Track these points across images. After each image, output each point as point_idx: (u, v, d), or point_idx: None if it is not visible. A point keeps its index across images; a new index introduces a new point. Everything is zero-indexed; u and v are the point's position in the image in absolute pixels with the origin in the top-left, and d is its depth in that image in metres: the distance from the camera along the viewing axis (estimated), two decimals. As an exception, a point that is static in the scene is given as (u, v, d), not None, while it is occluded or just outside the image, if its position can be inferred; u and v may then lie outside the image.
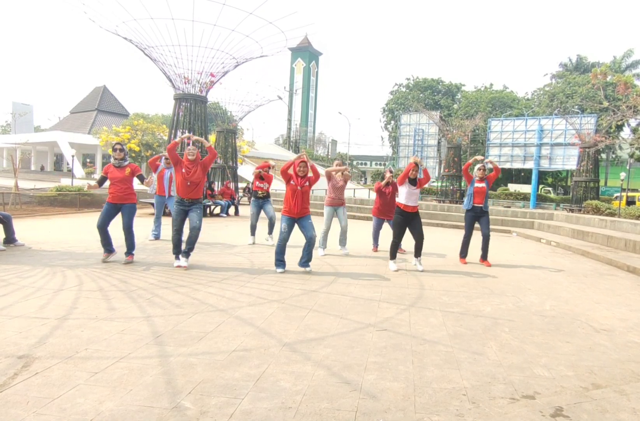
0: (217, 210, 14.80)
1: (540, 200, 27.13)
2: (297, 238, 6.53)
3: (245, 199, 22.23)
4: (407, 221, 6.39)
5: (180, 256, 5.99)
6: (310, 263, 5.99)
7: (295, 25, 12.44)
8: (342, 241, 7.61)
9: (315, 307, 4.23)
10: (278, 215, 8.27)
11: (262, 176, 8.25)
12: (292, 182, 5.89)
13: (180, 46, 12.52)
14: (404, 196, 6.37)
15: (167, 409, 2.24)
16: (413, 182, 6.42)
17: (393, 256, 6.42)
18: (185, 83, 13.61)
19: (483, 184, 7.02)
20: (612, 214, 15.00)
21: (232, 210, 15.40)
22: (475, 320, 4.04)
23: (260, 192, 8.29)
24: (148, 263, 6.13)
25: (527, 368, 2.98)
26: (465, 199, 7.14)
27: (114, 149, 6.13)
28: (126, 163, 6.20)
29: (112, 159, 6.21)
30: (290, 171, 5.95)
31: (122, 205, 6.12)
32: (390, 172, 8.13)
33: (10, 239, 6.98)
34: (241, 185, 23.51)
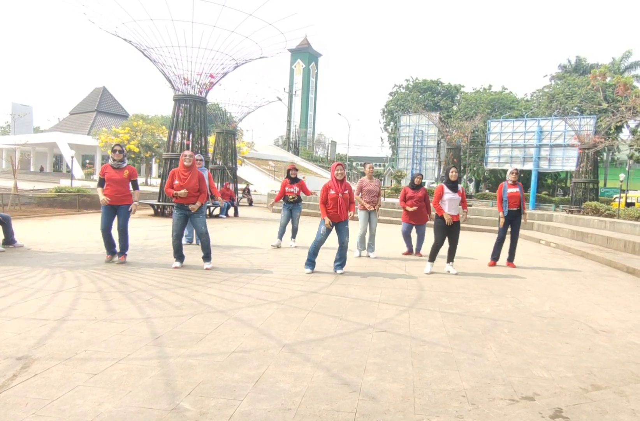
0: (217, 211, 14.80)
1: (540, 201, 27.15)
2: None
3: (245, 200, 22.25)
4: (448, 227, 6.34)
5: (181, 260, 6.07)
6: (344, 267, 6.09)
7: (295, 27, 12.43)
8: (371, 245, 7.64)
9: (314, 308, 4.23)
10: (303, 218, 8.35)
11: (292, 179, 8.20)
12: (332, 192, 5.92)
13: (179, 47, 12.53)
14: (446, 203, 6.28)
15: (166, 410, 2.24)
16: (454, 188, 6.34)
17: (432, 258, 6.41)
18: (185, 84, 13.62)
19: (516, 189, 7.07)
20: (611, 216, 15.02)
21: (231, 211, 15.40)
22: (475, 321, 4.04)
23: (290, 196, 8.22)
24: (147, 264, 6.12)
25: (527, 369, 2.98)
26: (502, 206, 7.12)
27: (114, 151, 6.10)
28: (125, 165, 6.18)
29: (110, 160, 6.19)
30: (332, 192, 5.99)
31: (118, 206, 6.09)
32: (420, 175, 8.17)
33: (9, 240, 6.97)
34: (240, 186, 23.51)
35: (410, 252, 8.09)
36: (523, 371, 2.93)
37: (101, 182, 6.14)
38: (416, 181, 7.92)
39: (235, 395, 2.43)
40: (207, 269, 5.87)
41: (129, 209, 6.19)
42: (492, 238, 7.36)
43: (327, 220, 5.91)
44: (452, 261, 6.45)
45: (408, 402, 2.43)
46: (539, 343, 3.53)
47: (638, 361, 3.22)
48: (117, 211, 6.12)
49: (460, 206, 6.52)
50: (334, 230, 6.08)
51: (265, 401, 2.37)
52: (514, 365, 3.04)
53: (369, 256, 7.55)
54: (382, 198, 7.99)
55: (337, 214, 5.91)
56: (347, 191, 5.98)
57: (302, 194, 8.38)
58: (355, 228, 7.57)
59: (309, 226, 10.33)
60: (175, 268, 5.87)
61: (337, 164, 6.07)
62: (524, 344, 3.48)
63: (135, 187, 6.32)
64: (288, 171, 8.35)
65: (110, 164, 6.13)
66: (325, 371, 2.79)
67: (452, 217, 6.28)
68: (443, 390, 2.60)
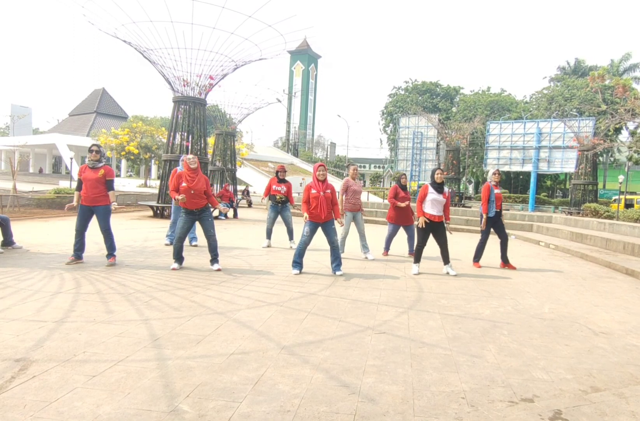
0: (216, 213, 14.79)
1: (539, 203, 27.18)
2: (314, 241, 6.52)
3: (244, 201, 22.24)
4: (432, 228, 6.34)
5: (180, 262, 6.07)
6: (341, 267, 6.09)
7: (294, 29, 12.42)
8: (365, 246, 7.57)
9: (313, 310, 4.22)
10: (296, 219, 8.37)
11: (280, 179, 8.13)
12: (313, 191, 5.96)
13: (179, 49, 12.53)
14: (428, 204, 6.28)
15: (165, 412, 2.23)
16: (440, 189, 6.33)
17: (417, 259, 6.43)
18: (184, 86, 13.62)
19: (500, 190, 7.14)
20: (610, 217, 15.02)
21: (230, 213, 15.39)
22: (474, 323, 4.03)
23: (278, 196, 8.06)
24: (146, 265, 6.11)
25: (526, 371, 2.97)
26: (489, 207, 7.07)
27: (90, 151, 6.02)
28: (100, 165, 6.07)
29: (87, 160, 6.08)
30: (313, 191, 6.00)
31: (94, 207, 6.00)
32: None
33: (8, 242, 6.96)
34: (240, 188, 23.50)
35: (387, 253, 8.00)
36: (522, 373, 2.93)
37: (80, 184, 6.03)
38: (403, 181, 7.90)
39: (234, 397, 2.42)
40: (218, 270, 5.92)
41: (111, 208, 6.13)
42: (492, 240, 7.34)
43: (306, 215, 5.91)
44: (448, 262, 6.44)
45: (407, 404, 2.43)
46: (538, 344, 3.52)
47: (637, 363, 3.22)
48: (93, 212, 6.03)
49: (444, 214, 6.43)
50: (319, 231, 6.09)
51: (264, 403, 2.37)
52: (514, 366, 3.04)
53: (366, 258, 7.52)
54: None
55: (318, 213, 5.93)
56: (329, 191, 6.01)
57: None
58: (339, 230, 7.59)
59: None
60: (174, 269, 5.86)
61: (319, 165, 6.13)
62: (523, 346, 3.48)
63: (110, 187, 6.14)
64: (277, 171, 8.29)
65: (87, 164, 6.04)
66: (325, 373, 2.79)
67: (435, 217, 6.27)
68: (442, 392, 2.59)
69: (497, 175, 7.12)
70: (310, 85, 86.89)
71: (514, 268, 7.07)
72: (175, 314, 3.91)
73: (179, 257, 6.02)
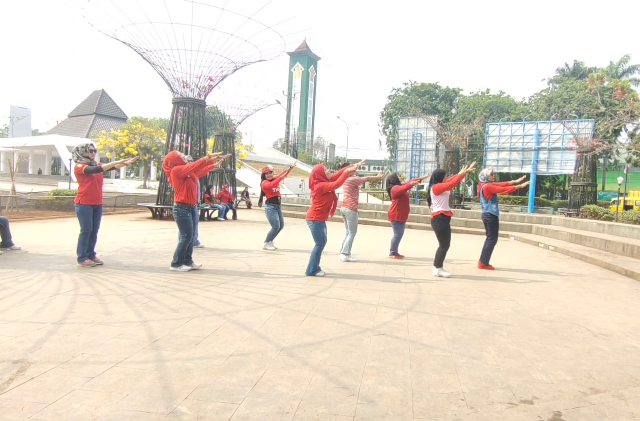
0: (215, 214, 14.79)
1: (538, 204, 27.20)
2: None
3: (243, 203, 22.23)
4: None
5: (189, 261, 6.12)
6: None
7: (293, 30, 12.45)
8: (347, 248, 7.40)
9: (313, 311, 4.21)
10: (292, 220, 8.40)
11: (272, 179, 8.24)
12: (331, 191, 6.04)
13: (179, 50, 12.54)
14: (448, 202, 6.49)
15: (163, 414, 2.22)
16: None
17: (441, 263, 6.44)
18: (184, 87, 13.62)
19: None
20: (609, 219, 15.03)
21: (230, 214, 15.39)
22: (474, 324, 4.03)
23: (278, 197, 8.27)
24: (145, 267, 6.10)
25: (526, 372, 2.97)
26: (494, 206, 7.00)
27: (91, 151, 6.05)
28: (97, 163, 6.22)
29: (85, 160, 5.99)
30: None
31: (99, 206, 6.14)
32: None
33: (6, 243, 6.95)
34: (239, 189, 23.50)
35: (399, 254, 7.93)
36: (522, 375, 2.92)
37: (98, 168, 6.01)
38: (399, 179, 8.08)
39: (233, 399, 2.41)
40: (198, 268, 6.04)
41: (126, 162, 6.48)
42: (483, 239, 7.25)
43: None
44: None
45: (406, 406, 2.42)
46: (537, 346, 3.52)
47: (637, 364, 3.22)
48: (95, 211, 6.10)
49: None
50: (309, 230, 6.13)
51: (263, 405, 2.36)
52: (513, 368, 3.04)
53: (340, 260, 7.31)
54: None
55: (332, 213, 6.14)
56: None
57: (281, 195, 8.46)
58: (341, 230, 7.58)
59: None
60: (193, 269, 5.98)
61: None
62: (522, 347, 3.47)
63: None
64: (265, 173, 8.26)
65: (89, 164, 5.99)
66: (324, 375, 2.78)
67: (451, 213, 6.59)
68: (442, 394, 2.59)
69: (493, 175, 7.13)
70: (309, 86, 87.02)
71: (492, 269, 7.03)
72: (174, 315, 3.90)
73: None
